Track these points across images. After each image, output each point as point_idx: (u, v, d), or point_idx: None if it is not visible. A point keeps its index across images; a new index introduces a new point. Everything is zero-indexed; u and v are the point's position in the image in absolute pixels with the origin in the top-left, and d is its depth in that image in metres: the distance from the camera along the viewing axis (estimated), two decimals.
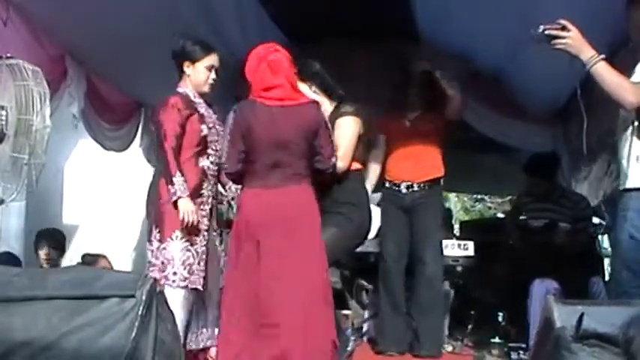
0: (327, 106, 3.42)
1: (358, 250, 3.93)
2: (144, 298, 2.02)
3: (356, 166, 3.36)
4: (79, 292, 2.05)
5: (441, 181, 4.06)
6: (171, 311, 2.28)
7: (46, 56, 3.85)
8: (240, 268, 2.97)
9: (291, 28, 4.69)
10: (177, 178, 3.12)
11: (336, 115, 3.35)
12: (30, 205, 4.07)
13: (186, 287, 3.15)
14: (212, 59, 3.35)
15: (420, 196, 3.90)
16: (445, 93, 4.04)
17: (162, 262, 3.16)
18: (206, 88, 3.35)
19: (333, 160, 3.12)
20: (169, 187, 3.13)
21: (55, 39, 3.96)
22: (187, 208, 3.12)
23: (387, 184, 4.03)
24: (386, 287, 3.93)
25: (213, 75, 3.35)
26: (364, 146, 3.43)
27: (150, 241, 3.23)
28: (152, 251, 3.21)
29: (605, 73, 2.55)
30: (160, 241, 3.17)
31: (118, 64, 4.36)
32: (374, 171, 4.05)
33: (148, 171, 5.79)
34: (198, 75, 3.33)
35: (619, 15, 2.82)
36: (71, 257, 5.02)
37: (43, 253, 4.46)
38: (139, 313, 2.01)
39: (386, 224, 3.87)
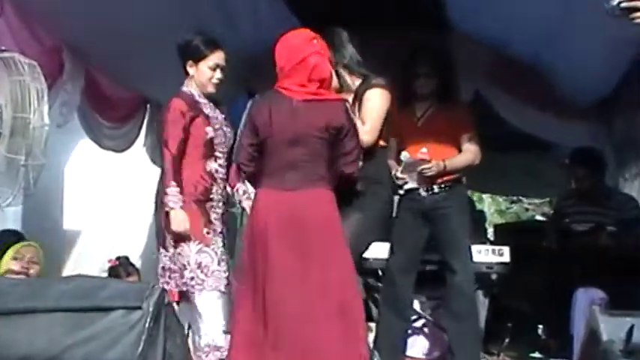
0: (349, 84, 3.41)
1: (382, 257, 3.95)
2: (151, 309, 2.03)
3: (382, 143, 3.39)
4: (82, 303, 2.07)
5: (464, 179, 4.02)
6: (180, 324, 2.30)
7: (41, 49, 3.86)
8: (253, 276, 2.99)
9: (310, 18, 4.68)
10: (172, 189, 3.21)
11: (364, 87, 3.37)
12: (27, 210, 4.10)
13: (203, 290, 3.24)
14: (217, 57, 3.37)
15: (442, 199, 3.83)
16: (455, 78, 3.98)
17: (180, 268, 3.26)
18: (210, 89, 3.39)
19: (361, 163, 3.13)
20: (164, 196, 3.22)
21: (52, 29, 3.97)
22: (178, 220, 3.20)
23: (404, 192, 4.00)
24: (387, 299, 3.89)
25: (218, 74, 3.38)
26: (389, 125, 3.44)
27: (165, 247, 3.31)
28: (169, 257, 3.30)
29: None
30: (175, 246, 3.26)
31: (122, 56, 4.36)
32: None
33: (154, 172, 5.82)
34: (202, 75, 3.36)
35: None
36: (73, 267, 5.06)
37: None
38: (147, 325, 2.02)
39: (399, 232, 3.82)
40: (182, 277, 3.24)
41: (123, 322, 2.03)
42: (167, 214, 3.24)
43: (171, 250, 3.27)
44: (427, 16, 4.72)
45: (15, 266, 3.70)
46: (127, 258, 4.59)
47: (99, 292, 2.10)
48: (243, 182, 3.37)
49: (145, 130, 5.47)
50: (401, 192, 3.86)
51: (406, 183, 3.81)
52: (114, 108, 4.93)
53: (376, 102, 3.34)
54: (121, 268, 4.48)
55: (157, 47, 4.10)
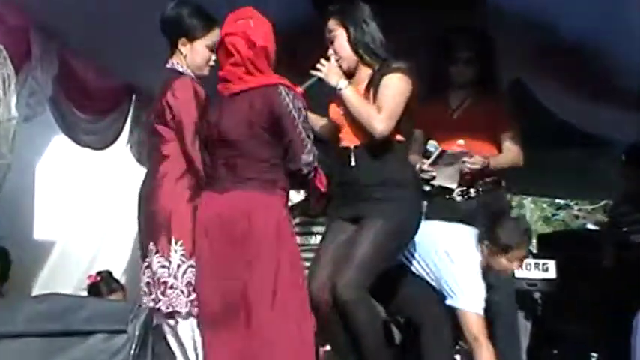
0: (362, 73, 3.41)
1: None
2: (137, 333, 2.04)
3: (399, 138, 3.38)
4: (57, 326, 2.08)
5: (503, 182, 4.01)
6: (170, 349, 2.30)
7: (3, 28, 3.83)
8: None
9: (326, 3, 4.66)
10: None
11: (382, 71, 3.36)
12: None
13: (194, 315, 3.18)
14: (215, 36, 3.34)
15: (478, 204, 3.87)
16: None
17: (165, 283, 3.17)
18: (205, 71, 3.38)
19: (306, 158, 3.10)
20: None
21: (17, 4, 3.95)
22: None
23: (431, 189, 3.99)
24: None
25: (214, 56, 3.36)
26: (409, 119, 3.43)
27: (167, 256, 3.21)
28: (169, 269, 3.19)
29: None
30: (185, 256, 3.19)
31: (104, 35, 4.34)
32: None
33: (139, 173, 5.83)
34: (198, 56, 3.35)
35: None
36: (46, 284, 5.08)
37: None
38: (132, 352, 2.03)
39: None
40: (163, 293, 3.12)
41: (104, 347, 2.04)
42: (157, 218, 3.20)
43: (178, 259, 3.17)
44: None
45: None
46: (109, 272, 4.61)
47: (77, 313, 2.10)
48: None
49: (130, 125, 5.47)
50: (427, 188, 3.86)
51: (434, 178, 3.79)
52: (92, 98, 4.92)
53: (395, 88, 3.32)
54: (102, 284, 4.48)
55: (147, 24, 4.09)
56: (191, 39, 3.33)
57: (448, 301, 3.45)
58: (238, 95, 3.10)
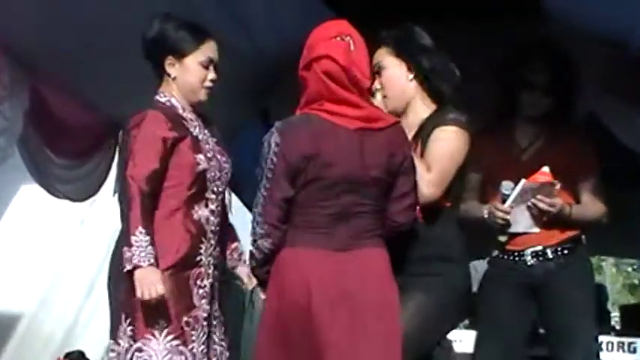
0: (418, 108, 3.39)
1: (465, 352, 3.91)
2: None
3: (447, 204, 3.34)
4: None
5: (583, 239, 3.96)
6: None
7: None
8: None
9: (348, 7, 4.72)
10: (138, 237, 3.14)
11: (436, 120, 3.32)
12: None
13: None
14: (208, 49, 3.38)
15: (557, 267, 3.82)
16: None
17: None
18: (202, 95, 3.40)
19: (416, 212, 3.15)
20: (125, 249, 3.14)
21: None
22: (149, 282, 3.13)
23: (499, 253, 3.96)
24: None
25: (212, 74, 3.39)
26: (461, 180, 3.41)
27: (115, 338, 3.25)
28: (119, 354, 3.22)
29: None
30: (134, 338, 3.19)
31: (86, 64, 4.40)
32: None
33: None
34: (190, 76, 3.37)
35: None
36: None
37: None
38: None
39: (492, 315, 3.83)
40: None
41: None
42: (130, 291, 3.17)
43: (126, 342, 3.20)
44: (514, 3, 4.73)
45: None
46: (81, 353, 4.63)
47: None
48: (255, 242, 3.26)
49: (117, 170, 5.50)
50: (502, 238, 3.83)
51: (508, 224, 3.73)
52: (70, 138, 4.96)
53: (449, 145, 3.29)
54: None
55: (134, 51, 4.14)
56: (179, 56, 3.36)
57: None
58: (377, 132, 3.08)
